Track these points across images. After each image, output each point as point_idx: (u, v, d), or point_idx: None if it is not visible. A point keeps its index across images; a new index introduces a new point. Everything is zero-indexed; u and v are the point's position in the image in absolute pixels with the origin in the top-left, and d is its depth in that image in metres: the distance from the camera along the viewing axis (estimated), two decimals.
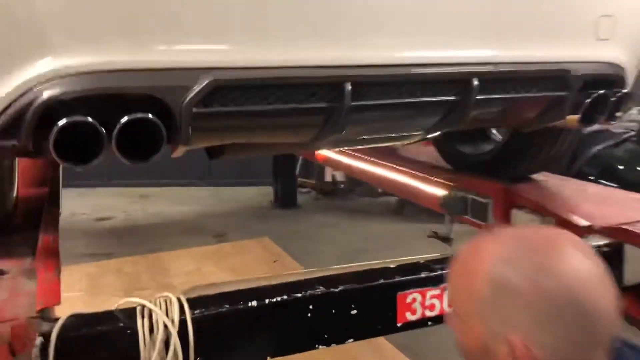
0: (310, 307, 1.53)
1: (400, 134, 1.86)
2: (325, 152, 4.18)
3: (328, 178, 7.45)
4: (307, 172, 7.80)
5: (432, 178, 2.97)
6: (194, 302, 1.45)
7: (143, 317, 1.39)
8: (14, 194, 2.09)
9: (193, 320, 1.41)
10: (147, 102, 1.29)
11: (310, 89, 1.41)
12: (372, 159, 3.52)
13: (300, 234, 6.15)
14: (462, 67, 1.56)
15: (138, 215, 7.21)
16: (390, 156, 3.43)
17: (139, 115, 1.25)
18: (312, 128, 1.53)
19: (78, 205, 7.43)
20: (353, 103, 1.44)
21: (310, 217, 6.80)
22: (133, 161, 1.32)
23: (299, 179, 7.53)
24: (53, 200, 2.09)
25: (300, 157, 7.33)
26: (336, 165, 4.14)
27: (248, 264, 5.31)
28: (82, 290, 4.88)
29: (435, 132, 1.83)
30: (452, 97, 1.59)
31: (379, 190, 6.92)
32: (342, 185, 7.44)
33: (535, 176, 2.76)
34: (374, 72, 1.45)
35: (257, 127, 1.46)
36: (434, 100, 1.57)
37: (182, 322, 1.39)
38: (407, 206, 6.39)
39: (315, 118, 1.49)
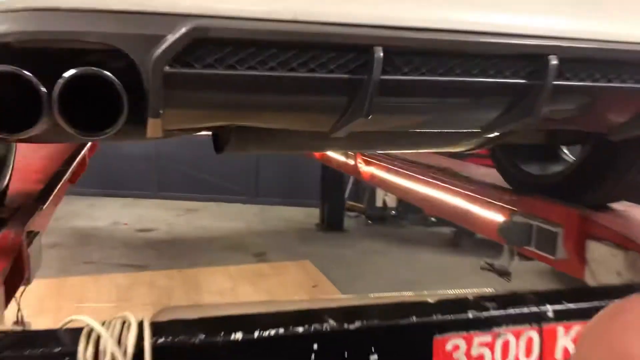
0: (315, 346, 1.15)
1: (449, 131, 1.47)
2: (372, 169, 3.83)
3: (379, 203, 7.05)
4: (357, 195, 7.45)
5: (489, 200, 2.54)
6: (159, 328, 1.10)
7: (88, 341, 1.06)
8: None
9: (154, 350, 1.06)
10: (106, 56, 0.98)
11: (326, 53, 1.05)
12: (422, 177, 3.12)
13: (344, 259, 5.78)
14: (537, 39, 1.16)
15: (181, 228, 7.02)
16: (442, 174, 3.02)
17: (89, 69, 0.94)
18: (328, 108, 1.17)
19: (121, 215, 7.34)
20: (384, 77, 1.08)
21: (357, 243, 6.42)
22: (84, 134, 1.00)
23: (348, 202, 7.18)
24: (40, 197, 1.81)
25: (351, 180, 7.00)
26: (383, 183, 3.77)
27: (285, 287, 4.99)
28: (111, 302, 4.67)
29: (495, 131, 1.43)
30: (521, 81, 1.20)
31: (432, 219, 6.47)
32: (393, 212, 7.02)
33: (615, 205, 2.29)
34: (415, 36, 1.08)
35: (254, 102, 1.11)
36: (496, 83, 1.18)
37: (138, 353, 1.05)
38: (464, 238, 5.91)
39: (332, 94, 1.12)
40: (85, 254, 5.76)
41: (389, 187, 3.74)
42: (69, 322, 1.11)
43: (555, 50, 1.17)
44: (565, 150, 2.65)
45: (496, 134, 1.53)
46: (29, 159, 2.29)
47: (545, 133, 2.32)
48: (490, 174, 2.89)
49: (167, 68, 0.98)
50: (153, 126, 1.10)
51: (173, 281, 5.19)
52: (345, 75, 1.08)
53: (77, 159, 2.73)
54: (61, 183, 2.17)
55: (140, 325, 1.09)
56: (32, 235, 1.62)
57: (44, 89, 0.95)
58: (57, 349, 1.04)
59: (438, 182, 2.98)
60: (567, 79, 1.22)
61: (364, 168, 4.00)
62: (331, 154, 4.54)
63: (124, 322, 1.10)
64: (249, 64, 1.03)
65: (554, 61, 1.17)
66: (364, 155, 3.93)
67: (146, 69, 0.97)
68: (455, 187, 2.78)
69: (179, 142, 8.30)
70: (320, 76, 1.07)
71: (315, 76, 1.07)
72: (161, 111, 1.03)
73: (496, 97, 1.25)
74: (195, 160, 8.03)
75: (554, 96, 1.23)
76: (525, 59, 1.18)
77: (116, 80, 0.95)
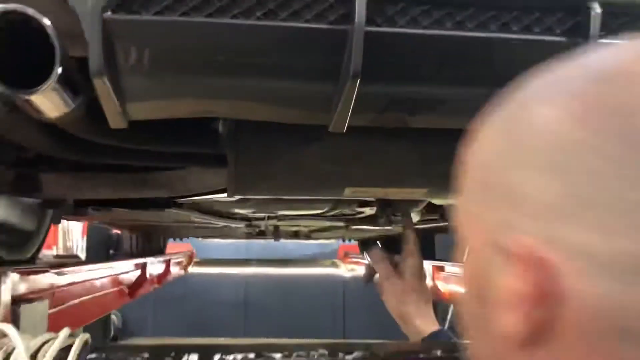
0: None
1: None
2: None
3: None
4: None
5: None
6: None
7: None
8: None
9: None
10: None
11: None
12: None
13: None
14: None
15: None
16: None
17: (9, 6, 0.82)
18: (311, 74, 0.97)
19: None
20: (369, 28, 0.89)
21: None
22: (12, 89, 0.86)
23: None
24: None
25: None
26: None
27: None
28: None
29: None
30: (558, 39, 0.96)
31: None
32: None
33: None
34: None
35: (221, 66, 0.93)
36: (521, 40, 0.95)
37: None
38: None
39: (312, 51, 0.93)
40: None
41: None
42: None
43: None
44: None
45: None
46: None
47: None
48: None
49: (108, 14, 0.85)
50: (108, 105, 0.95)
51: None
52: (323, 25, 0.90)
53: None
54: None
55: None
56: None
57: None
58: None
59: None
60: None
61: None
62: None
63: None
64: (209, 11, 0.88)
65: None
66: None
67: (84, 15, 0.84)
68: None
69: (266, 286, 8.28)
70: (299, 26, 0.89)
71: (294, 26, 0.89)
72: (103, 72, 0.87)
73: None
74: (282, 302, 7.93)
75: None
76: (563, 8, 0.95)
77: (42, 18, 0.83)
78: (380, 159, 1.31)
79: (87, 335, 0.93)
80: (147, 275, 3.61)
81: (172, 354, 0.87)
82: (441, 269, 3.46)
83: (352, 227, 3.41)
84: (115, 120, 1.00)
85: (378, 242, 1.47)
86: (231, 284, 8.35)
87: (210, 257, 8.39)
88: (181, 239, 6.80)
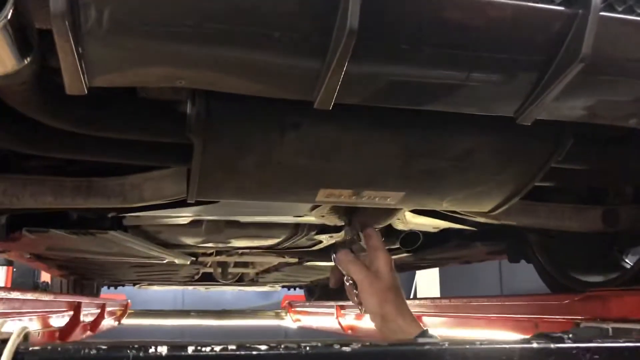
0: None
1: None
2: None
3: None
4: None
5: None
6: None
7: None
8: None
9: None
10: None
11: None
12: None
13: None
14: None
15: None
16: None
17: None
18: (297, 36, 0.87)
19: None
20: None
21: None
22: None
23: None
24: None
25: None
26: None
27: None
28: None
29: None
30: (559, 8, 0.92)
31: None
32: None
33: None
34: None
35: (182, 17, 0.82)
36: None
37: None
38: None
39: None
40: None
41: None
42: None
43: None
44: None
45: None
46: None
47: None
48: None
49: None
50: (67, 60, 0.82)
51: None
52: None
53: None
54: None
55: None
56: None
57: None
58: None
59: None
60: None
61: None
62: None
63: None
64: None
65: None
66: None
67: None
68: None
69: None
70: None
71: None
72: (65, 12, 0.75)
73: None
74: None
75: None
76: None
77: None
78: (359, 152, 1.22)
79: (27, 328, 0.76)
80: (81, 318, 3.30)
81: (136, 346, 0.72)
82: None
83: (305, 262, 3.28)
84: (73, 82, 0.86)
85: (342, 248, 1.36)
86: (168, 337, 7.88)
87: (145, 308, 7.93)
88: (115, 287, 6.40)
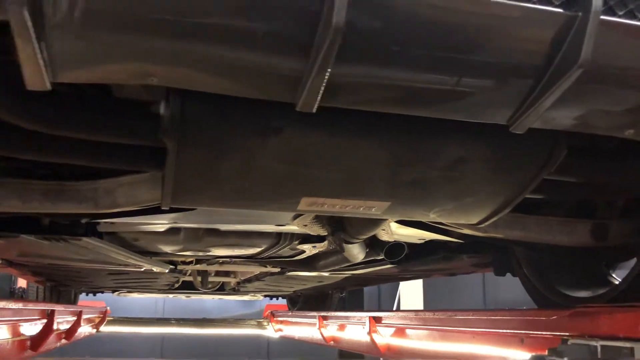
0: None
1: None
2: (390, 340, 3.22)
3: None
4: None
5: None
6: None
7: None
8: None
9: None
10: None
11: None
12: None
13: None
14: None
15: None
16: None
17: None
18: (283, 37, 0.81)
19: None
20: None
21: None
22: None
23: None
24: None
25: None
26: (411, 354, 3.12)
27: None
28: None
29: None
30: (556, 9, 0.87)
31: None
32: None
33: None
34: None
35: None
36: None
37: None
38: None
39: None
40: None
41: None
42: None
43: None
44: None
45: None
46: None
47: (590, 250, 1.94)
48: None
49: None
50: (27, 52, 0.75)
51: None
52: None
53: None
54: None
55: None
56: None
57: None
58: None
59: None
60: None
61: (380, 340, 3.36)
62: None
63: None
64: None
65: None
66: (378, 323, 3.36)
67: None
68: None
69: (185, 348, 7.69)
70: None
71: None
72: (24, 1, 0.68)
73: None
74: None
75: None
76: None
77: None
78: (343, 159, 1.16)
79: None
80: (55, 326, 3.19)
81: None
82: (378, 320, 3.27)
83: (288, 272, 3.20)
84: (34, 76, 0.79)
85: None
86: (147, 345, 7.75)
87: (124, 316, 7.80)
88: (94, 294, 6.26)
